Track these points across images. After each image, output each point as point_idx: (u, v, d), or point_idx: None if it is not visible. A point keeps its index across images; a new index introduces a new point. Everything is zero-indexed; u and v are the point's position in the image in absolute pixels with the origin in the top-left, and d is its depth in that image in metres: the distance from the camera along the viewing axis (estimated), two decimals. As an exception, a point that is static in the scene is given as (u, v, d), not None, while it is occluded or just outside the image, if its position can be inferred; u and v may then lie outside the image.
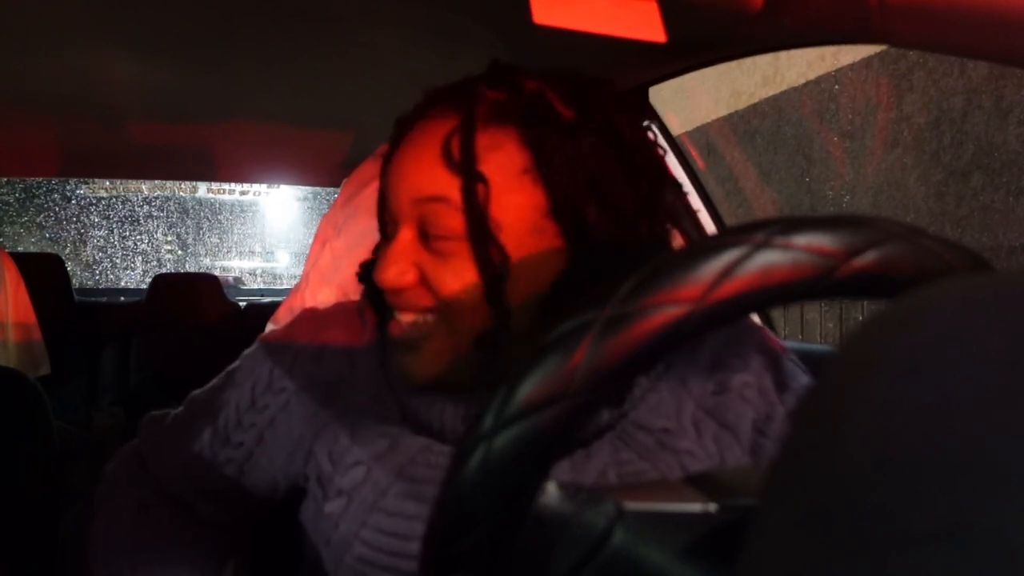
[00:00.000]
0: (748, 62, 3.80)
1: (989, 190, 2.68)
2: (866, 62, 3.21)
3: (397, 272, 0.61)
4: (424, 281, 0.61)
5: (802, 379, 0.65)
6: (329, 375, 0.69)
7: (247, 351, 0.74)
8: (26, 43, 1.30)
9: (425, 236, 0.60)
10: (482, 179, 0.57)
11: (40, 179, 5.25)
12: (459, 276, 0.59)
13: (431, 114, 0.62)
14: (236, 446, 0.69)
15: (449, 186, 0.58)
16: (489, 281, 0.58)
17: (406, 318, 0.62)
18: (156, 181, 5.28)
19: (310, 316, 0.74)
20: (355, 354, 0.70)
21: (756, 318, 1.44)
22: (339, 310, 0.75)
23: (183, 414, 0.75)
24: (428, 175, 0.59)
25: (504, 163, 0.58)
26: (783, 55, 3.61)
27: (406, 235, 0.61)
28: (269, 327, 1.14)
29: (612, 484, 0.61)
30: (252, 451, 0.69)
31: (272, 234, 5.89)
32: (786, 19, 0.81)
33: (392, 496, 0.61)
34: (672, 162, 1.41)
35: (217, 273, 4.08)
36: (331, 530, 0.63)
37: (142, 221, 5.67)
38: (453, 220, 0.58)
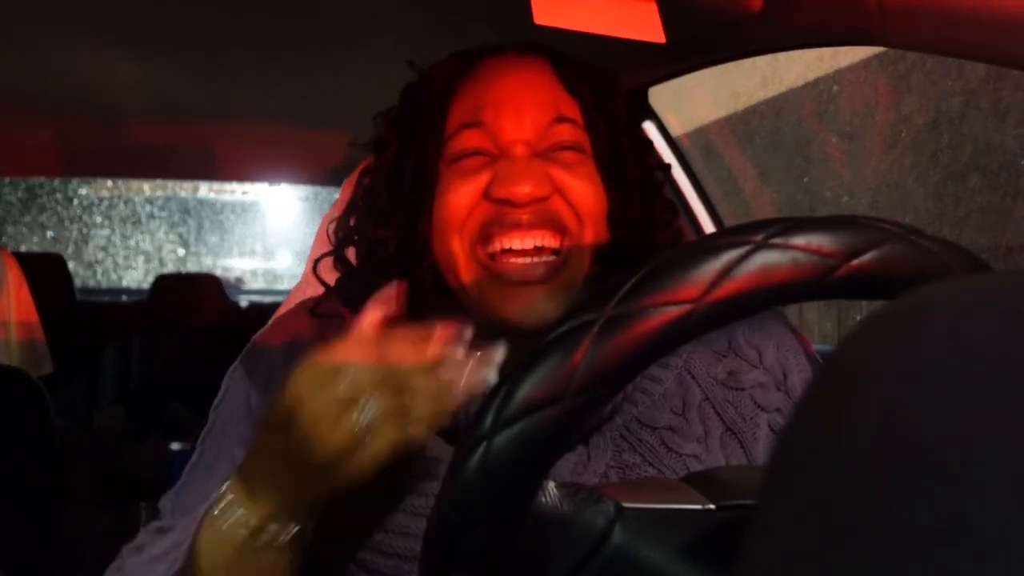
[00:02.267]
0: (747, 63, 3.79)
1: (987, 191, 2.67)
2: (865, 64, 3.21)
3: (536, 182, 0.59)
4: (558, 191, 0.60)
5: None
6: None
7: (216, 399, 0.69)
8: (27, 43, 1.30)
9: (546, 155, 0.61)
10: (598, 104, 0.64)
11: (42, 179, 5.25)
12: (591, 184, 0.61)
13: (508, 57, 0.65)
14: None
15: (574, 109, 0.63)
16: (613, 194, 0.62)
17: (539, 239, 0.59)
18: (157, 181, 5.27)
19: (279, 322, 0.71)
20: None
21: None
22: (295, 312, 0.71)
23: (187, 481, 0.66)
24: (552, 98, 0.62)
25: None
26: (782, 56, 3.61)
27: (523, 150, 0.60)
28: (270, 327, 1.14)
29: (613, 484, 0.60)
30: None
31: (273, 234, 5.88)
32: (786, 20, 0.81)
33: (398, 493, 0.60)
34: (672, 162, 1.41)
35: (218, 273, 4.08)
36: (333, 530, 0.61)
37: (144, 221, 5.66)
38: (578, 136, 0.62)
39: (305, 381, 0.47)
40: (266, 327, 0.72)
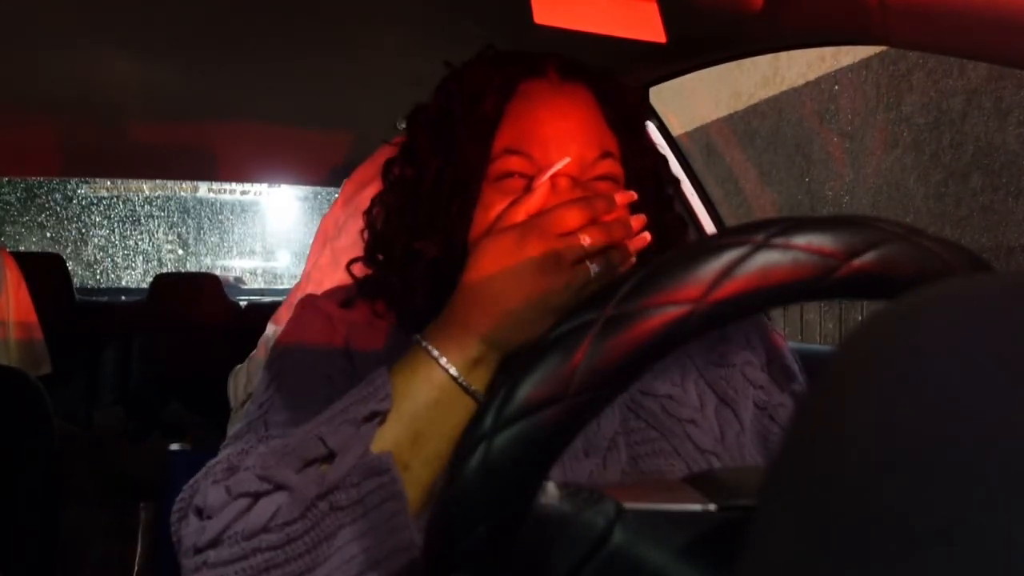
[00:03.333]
0: (748, 62, 3.79)
1: (988, 191, 2.68)
2: (865, 63, 3.21)
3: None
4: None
5: (799, 372, 0.70)
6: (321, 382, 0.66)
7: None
8: (27, 43, 1.30)
9: (585, 185, 0.63)
10: (633, 134, 0.68)
11: (41, 179, 5.25)
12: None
13: (551, 81, 0.66)
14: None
15: (613, 143, 0.66)
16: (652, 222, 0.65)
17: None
18: (157, 181, 5.27)
19: (287, 330, 0.72)
20: (338, 354, 0.68)
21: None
22: (307, 310, 0.72)
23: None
24: (594, 133, 0.65)
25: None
26: (783, 56, 3.61)
27: (566, 182, 0.62)
28: (270, 327, 1.14)
29: (623, 453, 0.63)
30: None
31: (272, 234, 5.88)
32: (786, 19, 0.81)
33: None
34: (672, 162, 1.41)
35: (218, 272, 4.08)
36: None
37: (143, 221, 5.66)
38: (615, 170, 0.65)
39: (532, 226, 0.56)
40: (283, 332, 0.73)
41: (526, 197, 0.60)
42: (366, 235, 0.72)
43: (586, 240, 0.55)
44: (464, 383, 0.56)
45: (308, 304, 0.73)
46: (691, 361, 0.68)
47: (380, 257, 0.71)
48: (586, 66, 0.69)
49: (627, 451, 0.63)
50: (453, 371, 0.56)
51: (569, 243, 0.55)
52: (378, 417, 0.55)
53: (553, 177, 0.62)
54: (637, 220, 0.59)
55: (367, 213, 0.72)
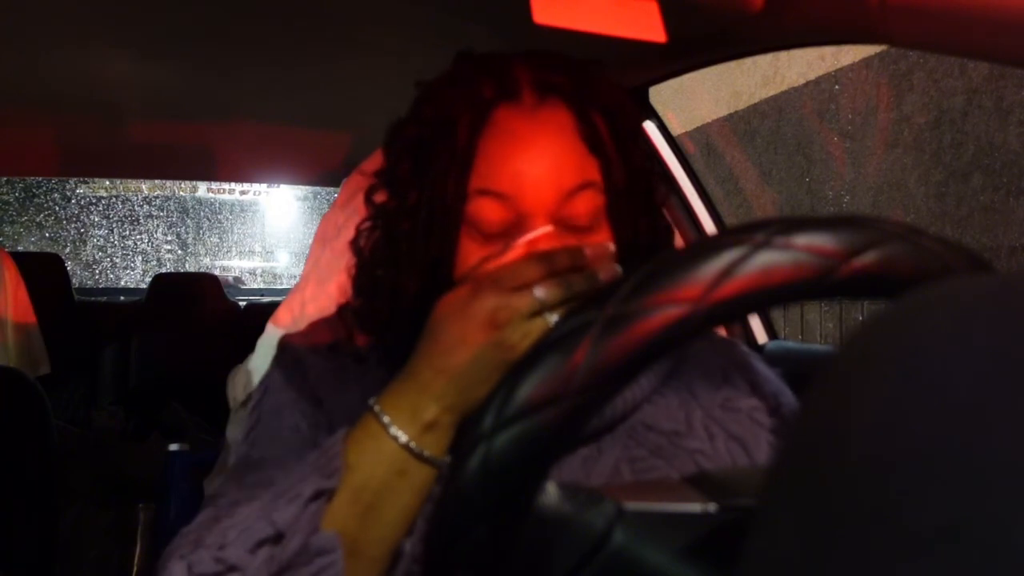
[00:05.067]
0: (748, 62, 3.80)
1: (989, 190, 2.68)
2: (866, 62, 3.21)
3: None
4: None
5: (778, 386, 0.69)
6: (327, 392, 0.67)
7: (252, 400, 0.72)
8: (26, 43, 1.30)
9: (565, 223, 0.61)
10: (618, 151, 0.63)
11: (40, 178, 5.25)
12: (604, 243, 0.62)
13: (526, 106, 0.62)
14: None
15: (593, 168, 0.62)
16: (621, 236, 0.62)
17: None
18: (156, 181, 5.27)
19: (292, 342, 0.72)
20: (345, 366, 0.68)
21: (756, 320, 1.44)
22: (318, 330, 0.73)
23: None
24: (572, 164, 0.61)
25: (605, 138, 0.64)
26: (783, 55, 3.61)
27: (549, 229, 0.60)
28: (269, 327, 1.14)
29: (623, 481, 0.61)
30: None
31: (272, 234, 5.88)
32: (786, 19, 0.81)
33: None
34: (672, 162, 1.41)
35: (217, 273, 4.08)
36: None
37: (142, 220, 5.66)
38: (596, 202, 0.61)
39: (490, 280, 0.53)
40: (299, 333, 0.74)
41: (498, 257, 0.57)
42: (353, 267, 0.70)
43: (541, 293, 0.52)
44: (416, 450, 0.54)
45: (284, 346, 0.72)
46: (696, 402, 0.66)
47: (366, 289, 0.68)
48: (567, 69, 0.65)
49: (632, 479, 0.61)
50: (403, 438, 0.54)
51: (524, 297, 0.52)
52: (325, 495, 0.53)
53: (531, 216, 0.59)
54: (607, 269, 0.54)
55: (353, 243, 0.70)
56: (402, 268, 0.65)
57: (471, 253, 0.61)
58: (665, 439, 0.63)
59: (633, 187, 0.65)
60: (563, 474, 0.60)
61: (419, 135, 0.65)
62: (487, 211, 0.61)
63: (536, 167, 0.60)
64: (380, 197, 0.68)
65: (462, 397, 0.53)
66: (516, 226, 0.60)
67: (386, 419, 0.54)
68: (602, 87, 0.65)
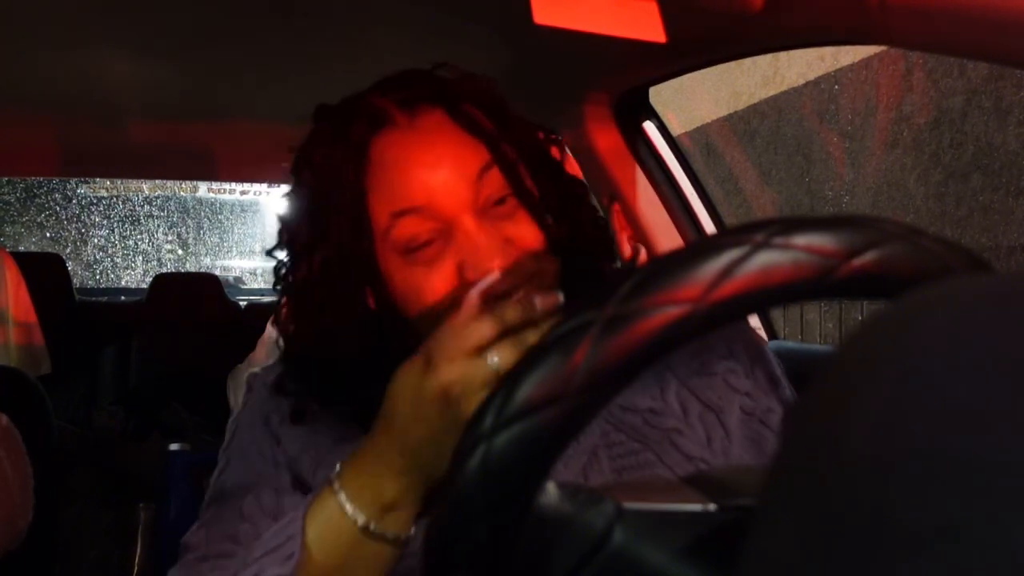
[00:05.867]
0: (748, 62, 3.79)
1: (989, 191, 2.67)
2: (866, 63, 3.21)
3: (500, 250, 0.59)
4: (515, 247, 0.60)
5: (783, 377, 0.69)
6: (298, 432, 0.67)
7: (232, 416, 0.72)
8: (26, 43, 1.30)
9: (486, 213, 0.61)
10: (505, 140, 0.63)
11: (41, 179, 5.25)
12: (530, 225, 0.62)
13: (400, 125, 0.62)
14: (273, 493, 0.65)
15: (485, 153, 0.62)
16: (547, 228, 0.62)
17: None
18: (157, 181, 5.27)
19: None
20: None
21: (755, 318, 1.44)
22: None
23: (208, 515, 0.68)
24: (463, 155, 0.61)
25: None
26: (783, 55, 3.61)
27: (473, 221, 0.60)
28: (269, 327, 1.14)
29: (604, 465, 0.62)
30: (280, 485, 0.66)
31: (272, 234, 5.87)
32: (786, 19, 0.81)
33: None
34: (672, 162, 1.41)
35: (217, 273, 4.08)
36: None
37: (143, 221, 5.66)
38: (499, 180, 0.61)
39: (441, 350, 0.50)
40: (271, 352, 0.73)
41: (453, 316, 0.53)
42: (281, 343, 0.68)
43: (495, 359, 0.49)
44: (376, 531, 0.52)
45: (252, 382, 0.72)
46: (672, 373, 0.67)
47: (308, 374, 0.67)
48: (423, 79, 0.65)
49: (609, 464, 0.62)
50: (361, 520, 0.52)
51: (478, 365, 0.49)
52: None
53: (456, 217, 0.59)
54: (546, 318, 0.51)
55: (281, 334, 0.68)
56: (338, 331, 0.63)
57: (422, 278, 0.60)
58: (640, 418, 0.64)
59: (528, 159, 0.65)
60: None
61: (307, 200, 0.65)
62: (410, 228, 0.60)
63: (437, 170, 0.60)
64: (287, 273, 0.68)
65: (424, 473, 0.51)
66: (442, 233, 0.60)
67: (344, 500, 0.53)
68: (462, 82, 0.66)
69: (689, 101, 4.25)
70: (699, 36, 0.98)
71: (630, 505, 0.34)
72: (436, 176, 0.60)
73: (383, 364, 0.57)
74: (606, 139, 1.40)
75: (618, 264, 0.74)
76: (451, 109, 0.63)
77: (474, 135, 0.62)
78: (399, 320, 0.63)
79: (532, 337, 0.50)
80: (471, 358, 0.49)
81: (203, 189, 5.73)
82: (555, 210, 0.65)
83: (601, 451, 0.62)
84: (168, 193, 5.73)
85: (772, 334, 1.50)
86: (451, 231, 0.60)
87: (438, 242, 0.60)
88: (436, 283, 0.60)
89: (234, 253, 5.82)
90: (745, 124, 4.04)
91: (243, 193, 5.73)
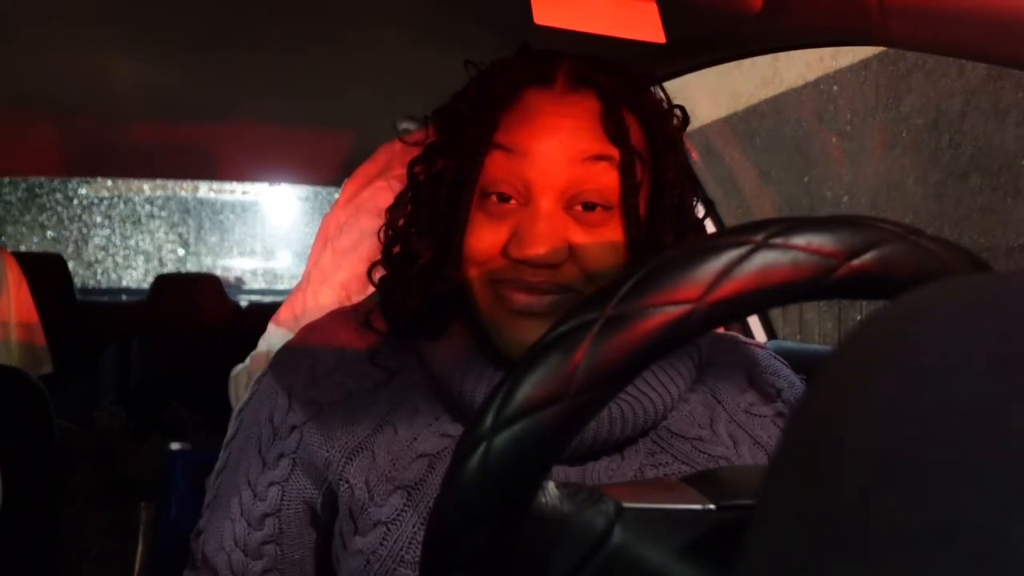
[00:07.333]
0: (747, 63, 3.79)
1: (988, 191, 2.67)
2: (864, 64, 3.21)
3: (552, 248, 0.59)
4: (572, 256, 0.60)
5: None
6: (338, 394, 0.66)
7: (241, 402, 0.72)
8: (27, 43, 1.30)
9: (571, 208, 0.61)
10: (636, 150, 0.62)
11: (42, 179, 5.25)
12: (610, 246, 0.61)
13: (557, 89, 0.64)
14: (268, 486, 0.66)
15: (610, 148, 0.61)
16: (634, 245, 0.62)
17: (543, 295, 0.60)
18: (158, 181, 5.27)
19: (308, 332, 0.72)
20: (364, 364, 0.68)
21: (755, 320, 1.44)
22: (337, 318, 0.73)
23: (211, 498, 0.71)
24: (590, 137, 0.61)
25: (636, 140, 0.64)
26: (782, 56, 3.61)
27: (550, 206, 0.60)
28: (270, 327, 1.14)
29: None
30: (284, 484, 0.66)
31: (273, 234, 5.88)
32: (786, 20, 0.81)
33: None
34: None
35: (218, 272, 4.09)
36: (360, 569, 0.60)
37: (144, 221, 5.66)
38: (611, 181, 0.61)
39: None
40: (301, 333, 0.73)
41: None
42: (383, 233, 0.71)
43: None
44: None
45: (262, 382, 0.72)
46: (721, 407, 0.67)
47: (388, 255, 0.70)
48: (609, 71, 0.66)
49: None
50: None
51: None
52: None
53: (539, 191, 0.60)
54: None
55: (389, 211, 0.71)
56: (418, 233, 0.66)
57: (477, 241, 0.62)
58: (689, 445, 0.64)
59: (660, 196, 0.65)
60: (587, 479, 0.61)
61: (457, 110, 0.67)
62: (495, 167, 0.62)
63: (551, 135, 0.61)
64: (416, 169, 0.70)
65: None
66: (523, 197, 0.61)
67: None
68: (644, 95, 0.67)
69: (688, 102, 4.25)
70: (699, 36, 0.98)
71: (630, 504, 0.34)
72: (546, 138, 0.61)
73: (433, 294, 0.60)
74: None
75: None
76: (608, 106, 0.63)
77: (612, 139, 0.62)
78: (459, 251, 0.64)
79: None
80: None
81: (204, 189, 5.74)
82: (655, 231, 0.64)
83: (648, 470, 0.62)
84: (169, 193, 5.73)
85: (772, 334, 1.49)
86: (529, 201, 0.61)
87: (516, 202, 0.61)
88: (487, 237, 0.61)
89: (235, 253, 5.82)
90: (744, 125, 4.04)
91: (243, 193, 5.74)
